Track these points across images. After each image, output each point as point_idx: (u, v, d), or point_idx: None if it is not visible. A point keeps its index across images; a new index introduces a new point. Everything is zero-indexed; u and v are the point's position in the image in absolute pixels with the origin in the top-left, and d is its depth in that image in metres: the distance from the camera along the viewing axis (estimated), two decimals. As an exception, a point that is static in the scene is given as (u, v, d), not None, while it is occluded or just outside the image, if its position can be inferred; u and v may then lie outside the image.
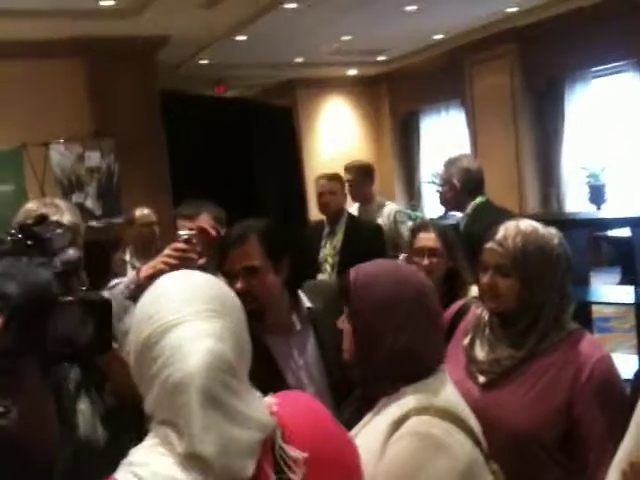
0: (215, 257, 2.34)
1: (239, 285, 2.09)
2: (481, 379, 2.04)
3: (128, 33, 7.85)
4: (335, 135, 13.13)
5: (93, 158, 7.77)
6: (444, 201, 4.30)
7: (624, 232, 7.04)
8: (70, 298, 1.53)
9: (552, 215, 9.03)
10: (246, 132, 8.88)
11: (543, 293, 2.00)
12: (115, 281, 2.40)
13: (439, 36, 10.53)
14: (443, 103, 12.38)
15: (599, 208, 9.72)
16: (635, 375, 2.04)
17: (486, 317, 2.13)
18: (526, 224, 2.07)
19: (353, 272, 1.68)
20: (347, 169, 5.59)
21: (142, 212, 5.40)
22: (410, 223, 5.53)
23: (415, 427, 1.51)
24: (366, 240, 4.54)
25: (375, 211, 5.48)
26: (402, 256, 3.52)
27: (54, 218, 2.08)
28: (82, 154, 7.75)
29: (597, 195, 9.88)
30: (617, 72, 9.78)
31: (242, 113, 9.21)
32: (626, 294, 4.14)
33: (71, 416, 1.85)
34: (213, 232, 2.62)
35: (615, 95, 9.94)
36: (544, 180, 10.69)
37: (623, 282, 7.61)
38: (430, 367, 1.63)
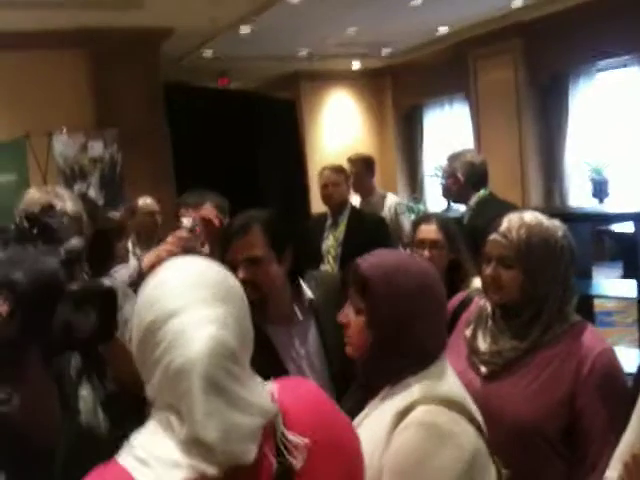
0: (218, 247, 2.34)
1: (242, 275, 2.09)
2: (483, 370, 2.04)
3: (132, 24, 7.83)
4: (338, 128, 13.11)
5: (96, 148, 7.76)
6: (447, 193, 4.31)
7: (627, 227, 7.04)
8: (75, 287, 1.54)
9: (555, 209, 9.01)
10: (249, 124, 8.86)
11: (546, 285, 2.00)
12: (117, 268, 2.40)
13: (444, 30, 10.50)
14: (447, 97, 12.36)
15: (602, 203, 9.72)
16: (638, 368, 2.04)
17: (489, 308, 2.13)
18: (530, 216, 2.06)
19: (366, 264, 1.66)
20: (351, 161, 5.60)
21: (145, 201, 5.42)
22: (410, 215, 5.55)
23: (421, 417, 1.51)
24: (369, 232, 4.53)
25: (377, 203, 5.49)
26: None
27: (57, 207, 2.08)
28: (85, 144, 7.74)
29: (600, 190, 9.88)
30: (622, 66, 9.75)
31: (245, 105, 9.20)
32: (629, 288, 4.13)
33: (73, 402, 1.85)
34: (216, 222, 2.63)
35: (619, 89, 9.91)
36: (547, 175, 10.68)
37: (625, 277, 7.60)
38: (434, 357, 1.63)
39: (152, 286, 1.25)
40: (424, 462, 1.47)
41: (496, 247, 2.05)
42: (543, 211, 2.16)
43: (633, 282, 4.02)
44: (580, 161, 10.19)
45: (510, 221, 2.05)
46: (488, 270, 2.06)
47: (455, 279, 2.87)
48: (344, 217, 4.82)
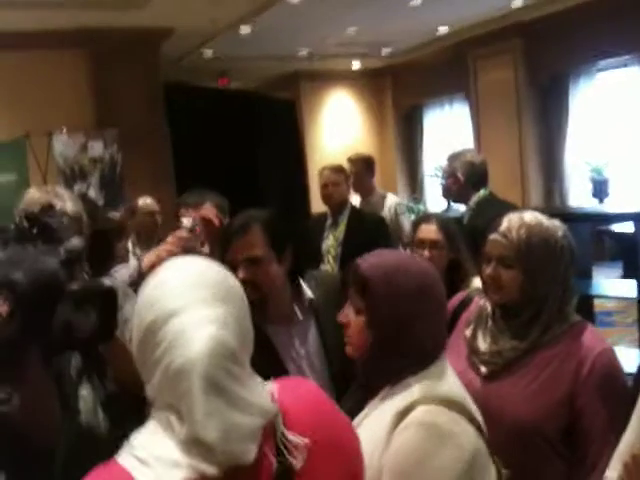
0: (218, 246, 2.33)
1: (242, 275, 2.09)
2: (483, 370, 2.04)
3: (132, 24, 7.82)
4: (338, 128, 13.10)
5: (96, 148, 7.76)
6: (447, 192, 4.31)
7: (627, 227, 7.04)
8: (75, 287, 1.53)
9: (555, 209, 9.01)
10: (249, 124, 8.87)
11: (546, 285, 2.00)
12: (117, 268, 2.40)
13: (444, 30, 10.49)
14: (447, 97, 12.36)
15: (602, 203, 9.72)
16: (638, 368, 2.04)
17: (489, 308, 2.13)
18: (530, 216, 2.06)
19: (366, 264, 1.66)
20: (351, 161, 5.60)
21: (145, 201, 5.42)
22: (410, 215, 5.55)
23: (421, 417, 1.51)
24: (369, 232, 4.53)
25: (376, 203, 5.49)
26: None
27: (57, 207, 2.08)
28: (85, 144, 7.74)
29: (600, 190, 9.87)
30: (622, 66, 9.75)
31: (245, 105, 9.20)
32: (629, 288, 4.13)
33: (73, 402, 1.85)
34: (217, 222, 2.62)
35: (619, 89, 9.91)
36: (547, 175, 10.67)
37: (625, 277, 7.61)
38: (434, 357, 1.63)
39: (152, 286, 1.25)
40: (424, 462, 1.47)
41: (496, 247, 2.05)
42: (543, 211, 2.16)
43: (633, 282, 4.02)
44: (580, 161, 10.19)
45: (510, 221, 2.05)
46: (488, 270, 2.06)
47: (455, 279, 2.86)
48: (344, 217, 4.81)
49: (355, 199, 5.45)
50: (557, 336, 2.00)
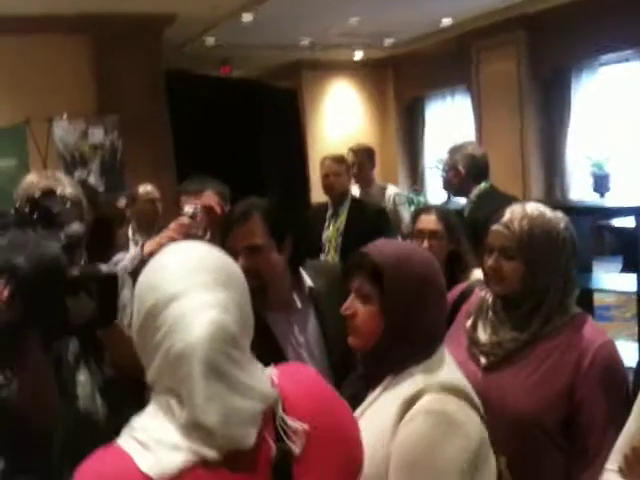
0: (219, 234, 2.33)
1: (242, 262, 2.08)
2: (483, 361, 2.03)
3: (134, 10, 7.79)
4: (340, 118, 13.07)
5: (97, 134, 7.74)
6: (448, 185, 4.30)
7: (627, 221, 7.03)
8: (75, 272, 1.53)
9: (556, 203, 8.97)
10: (251, 113, 8.85)
11: (548, 277, 1.99)
12: (118, 256, 2.39)
13: (447, 21, 10.47)
14: (449, 89, 12.32)
15: (603, 197, 9.71)
16: (638, 363, 2.04)
17: (489, 300, 2.12)
18: (533, 207, 2.05)
19: (376, 252, 1.65)
20: (354, 151, 5.59)
21: (145, 189, 5.41)
22: (409, 206, 5.53)
23: (429, 405, 1.51)
24: (369, 222, 4.52)
25: (376, 194, 5.48)
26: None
27: (58, 191, 2.07)
28: (85, 130, 7.72)
29: (601, 184, 9.87)
30: (624, 61, 9.73)
31: (247, 94, 9.18)
32: (628, 283, 4.12)
33: (70, 388, 1.85)
34: (218, 209, 2.62)
35: (622, 84, 9.89)
36: (548, 169, 10.66)
37: (624, 271, 7.61)
38: (436, 345, 1.64)
39: (153, 270, 1.25)
40: (433, 450, 1.46)
41: (498, 238, 2.04)
42: (544, 204, 2.15)
43: (633, 276, 4.01)
44: (581, 155, 10.18)
45: (513, 212, 2.04)
46: (490, 261, 2.05)
47: (455, 270, 2.85)
48: (345, 207, 4.80)
49: (354, 190, 5.44)
50: (558, 328, 1.99)
